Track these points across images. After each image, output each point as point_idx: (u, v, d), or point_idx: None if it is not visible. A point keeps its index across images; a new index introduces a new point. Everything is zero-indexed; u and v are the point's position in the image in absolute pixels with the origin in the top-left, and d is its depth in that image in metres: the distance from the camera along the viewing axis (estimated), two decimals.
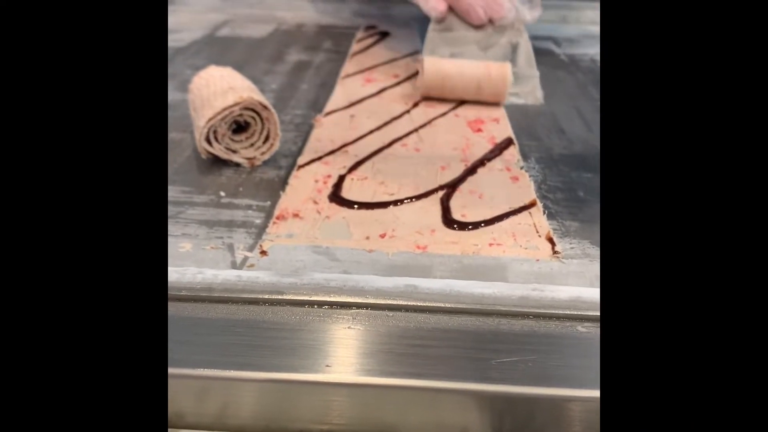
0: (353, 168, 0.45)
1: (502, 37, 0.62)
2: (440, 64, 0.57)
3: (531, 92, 0.60)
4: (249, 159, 0.45)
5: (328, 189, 0.43)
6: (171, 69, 0.62)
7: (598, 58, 0.71)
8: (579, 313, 0.32)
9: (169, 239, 0.37)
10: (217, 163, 0.45)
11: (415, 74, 0.62)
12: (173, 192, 0.42)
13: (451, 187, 0.43)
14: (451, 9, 0.62)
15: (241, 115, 0.44)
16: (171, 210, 0.40)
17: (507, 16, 0.62)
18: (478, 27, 0.62)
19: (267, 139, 0.45)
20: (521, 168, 0.46)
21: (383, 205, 0.41)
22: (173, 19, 0.77)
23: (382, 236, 0.38)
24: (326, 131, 0.51)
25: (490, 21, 0.62)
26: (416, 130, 0.50)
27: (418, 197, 0.42)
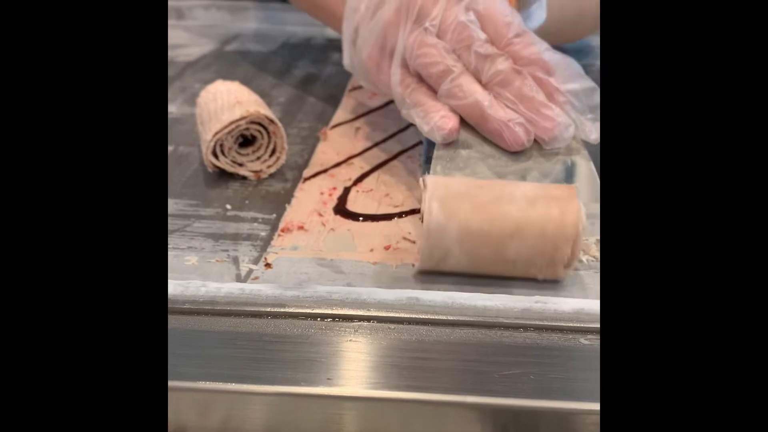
0: (359, 180, 0.46)
1: (553, 163, 0.39)
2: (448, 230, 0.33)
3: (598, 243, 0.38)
4: (255, 172, 0.45)
5: (333, 201, 0.43)
6: (180, 83, 0.63)
7: None
8: (582, 325, 0.32)
9: (176, 252, 0.37)
10: (224, 176, 0.45)
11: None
12: (180, 205, 0.42)
13: None
14: (465, 123, 0.40)
15: (247, 128, 0.44)
16: (178, 223, 0.40)
17: (561, 136, 0.39)
18: (517, 152, 0.39)
19: (273, 152, 0.46)
20: None
21: (388, 217, 0.41)
22: (182, 34, 0.78)
23: (387, 248, 0.38)
24: (332, 144, 0.51)
25: (536, 142, 0.39)
26: (421, 141, 0.50)
27: None
